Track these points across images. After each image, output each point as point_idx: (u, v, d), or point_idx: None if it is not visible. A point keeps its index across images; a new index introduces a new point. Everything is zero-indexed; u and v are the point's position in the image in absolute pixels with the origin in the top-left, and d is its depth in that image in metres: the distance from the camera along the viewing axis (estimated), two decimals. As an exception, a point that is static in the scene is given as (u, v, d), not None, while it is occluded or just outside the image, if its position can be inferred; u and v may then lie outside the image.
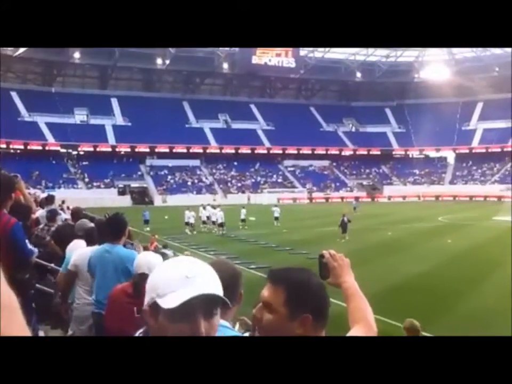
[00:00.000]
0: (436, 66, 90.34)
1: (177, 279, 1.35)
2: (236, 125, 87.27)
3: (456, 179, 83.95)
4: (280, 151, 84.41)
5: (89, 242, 5.89)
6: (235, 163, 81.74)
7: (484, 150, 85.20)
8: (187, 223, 32.28)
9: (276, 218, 35.84)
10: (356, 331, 2.02)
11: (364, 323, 2.07)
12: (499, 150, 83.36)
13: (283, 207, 47.81)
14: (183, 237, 28.63)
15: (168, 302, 1.32)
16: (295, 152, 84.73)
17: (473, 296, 13.94)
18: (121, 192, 69.74)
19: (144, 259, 4.07)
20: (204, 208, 34.14)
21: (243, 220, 34.56)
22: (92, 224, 6.65)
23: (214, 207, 34.30)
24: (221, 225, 31.87)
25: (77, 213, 8.61)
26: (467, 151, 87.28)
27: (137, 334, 1.45)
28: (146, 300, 1.39)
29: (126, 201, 64.60)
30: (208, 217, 33.33)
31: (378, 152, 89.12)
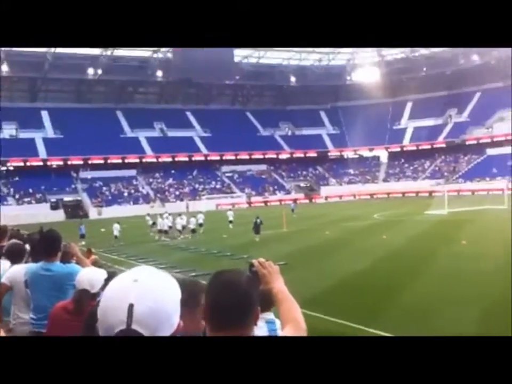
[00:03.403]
0: (366, 68, 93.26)
1: None
2: (172, 133, 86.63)
3: (389, 177, 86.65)
4: (218, 157, 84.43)
5: (14, 262, 5.70)
6: (172, 171, 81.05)
7: (414, 148, 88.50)
8: (160, 231, 33.02)
9: (231, 222, 37.25)
10: (286, 331, 2.17)
11: (293, 323, 2.22)
12: (429, 147, 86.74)
13: (222, 213, 47.81)
14: (121, 248, 28.12)
15: None
16: (233, 157, 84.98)
17: (410, 289, 14.30)
18: (54, 207, 67.62)
19: (86, 275, 3.99)
20: (180, 216, 34.64)
21: (231, 221, 36.75)
22: (16, 242, 6.43)
23: (180, 214, 35.32)
24: (194, 231, 33.28)
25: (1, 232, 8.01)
26: (399, 149, 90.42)
27: None
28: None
29: (59, 215, 62.75)
30: (183, 226, 33.92)
31: (315, 154, 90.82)
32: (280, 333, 3.23)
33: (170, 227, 33.46)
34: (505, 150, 76.31)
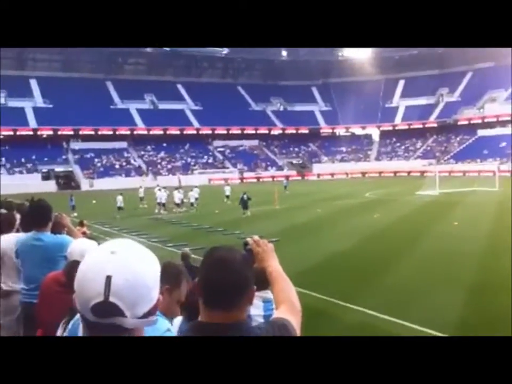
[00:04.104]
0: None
1: None
2: (163, 105, 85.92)
3: (381, 156, 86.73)
4: (210, 132, 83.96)
5: (3, 231, 5.62)
6: (164, 144, 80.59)
7: (406, 127, 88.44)
8: (159, 203, 33.05)
9: (227, 197, 37.59)
10: (281, 312, 2.12)
11: (288, 303, 2.18)
12: (421, 126, 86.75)
13: (215, 188, 47.76)
14: (113, 221, 27.99)
15: None
16: (225, 132, 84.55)
17: (396, 270, 14.31)
18: (45, 177, 67.23)
19: (78, 246, 3.93)
20: (177, 190, 34.69)
21: (227, 196, 37.38)
22: (5, 212, 6.33)
23: (177, 188, 35.41)
24: (192, 204, 33.75)
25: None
26: (391, 128, 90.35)
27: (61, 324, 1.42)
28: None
29: (50, 186, 62.39)
30: (181, 200, 34.00)
31: (307, 131, 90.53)
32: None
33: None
34: (496, 131, 76.54)
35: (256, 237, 2.37)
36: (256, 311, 3.24)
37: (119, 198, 32.22)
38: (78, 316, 2.50)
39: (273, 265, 2.34)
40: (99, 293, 1.33)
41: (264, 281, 2.59)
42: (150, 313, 1.42)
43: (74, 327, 2.48)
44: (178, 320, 3.55)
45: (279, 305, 2.20)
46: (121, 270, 1.36)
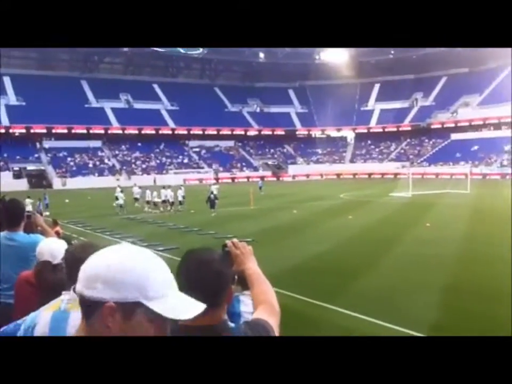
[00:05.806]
0: (335, 48, 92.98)
1: (165, 282, 1.33)
2: (138, 105, 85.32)
3: (356, 158, 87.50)
4: (185, 132, 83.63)
5: None
6: (139, 144, 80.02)
7: (381, 130, 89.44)
8: (148, 202, 33.33)
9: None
10: (259, 312, 2.13)
11: (267, 305, 2.19)
12: (395, 129, 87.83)
13: (189, 187, 47.61)
14: (86, 220, 27.64)
15: (174, 311, 1.29)
16: (200, 132, 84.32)
17: (372, 272, 14.40)
18: (17, 176, 66.15)
19: (47, 246, 3.84)
20: (164, 188, 34.44)
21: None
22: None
23: (164, 187, 34.91)
24: (176, 203, 33.10)
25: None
26: (365, 130, 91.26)
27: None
28: (121, 296, 1.25)
29: (22, 185, 61.38)
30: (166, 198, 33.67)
31: (283, 132, 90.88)
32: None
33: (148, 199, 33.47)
34: (469, 135, 77.88)
35: (235, 240, 2.35)
36: (245, 308, 3.32)
37: (120, 194, 32.12)
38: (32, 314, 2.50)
39: (252, 267, 2.32)
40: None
41: None
42: None
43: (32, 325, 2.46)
44: None
45: (258, 307, 2.20)
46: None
